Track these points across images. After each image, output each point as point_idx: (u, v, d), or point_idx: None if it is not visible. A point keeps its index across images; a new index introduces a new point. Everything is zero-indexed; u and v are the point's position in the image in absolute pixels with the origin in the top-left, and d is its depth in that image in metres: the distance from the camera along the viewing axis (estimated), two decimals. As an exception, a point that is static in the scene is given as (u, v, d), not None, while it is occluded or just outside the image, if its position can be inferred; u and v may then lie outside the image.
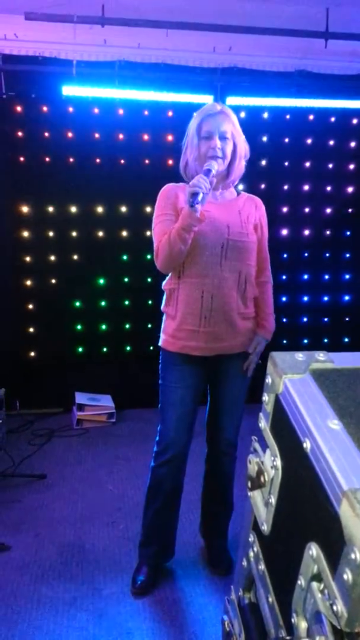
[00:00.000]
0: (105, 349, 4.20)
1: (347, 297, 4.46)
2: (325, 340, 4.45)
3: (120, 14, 3.41)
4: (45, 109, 3.77)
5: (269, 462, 0.86)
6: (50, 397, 4.12)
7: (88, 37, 3.59)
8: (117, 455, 3.45)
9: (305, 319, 4.44)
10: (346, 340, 4.50)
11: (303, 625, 0.71)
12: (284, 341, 4.30)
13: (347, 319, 4.49)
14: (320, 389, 0.79)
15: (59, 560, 2.39)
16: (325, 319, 4.46)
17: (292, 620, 0.74)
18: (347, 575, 0.60)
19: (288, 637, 0.70)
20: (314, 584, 0.69)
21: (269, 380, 0.86)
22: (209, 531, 2.42)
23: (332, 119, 4.11)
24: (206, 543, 2.43)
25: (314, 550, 0.69)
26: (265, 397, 0.88)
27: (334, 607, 0.62)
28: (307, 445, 0.73)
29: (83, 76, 3.67)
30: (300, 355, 0.85)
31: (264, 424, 0.89)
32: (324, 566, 0.66)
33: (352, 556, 0.59)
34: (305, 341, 4.43)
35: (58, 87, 3.67)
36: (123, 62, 3.76)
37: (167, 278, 2.12)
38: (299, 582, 0.73)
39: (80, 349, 4.17)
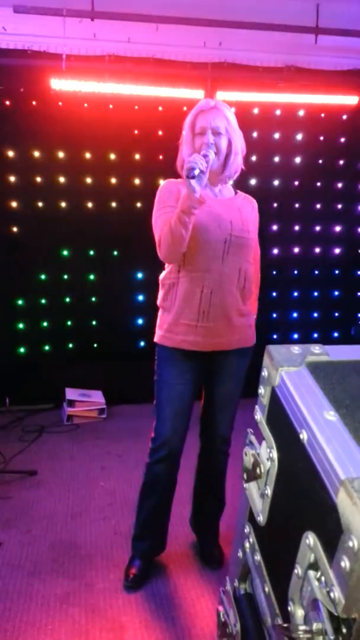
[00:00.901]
0: (95, 345, 4.20)
1: (336, 292, 4.50)
2: (315, 335, 4.48)
3: (110, 7, 3.39)
4: (34, 103, 3.74)
5: (264, 453, 0.87)
6: (41, 393, 4.11)
7: (78, 30, 3.56)
8: (108, 451, 3.45)
9: (295, 314, 4.47)
10: (335, 335, 4.54)
11: (300, 612, 0.72)
12: (275, 336, 4.32)
13: (336, 314, 4.53)
14: (316, 381, 0.80)
15: (50, 556, 2.38)
16: (315, 314, 4.50)
17: (289, 608, 0.75)
18: (345, 563, 0.61)
19: (285, 625, 0.71)
20: (311, 572, 0.70)
21: (265, 373, 0.87)
22: (200, 526, 2.43)
23: (322, 115, 4.13)
24: (197, 538, 2.45)
25: (311, 539, 0.70)
26: (261, 390, 0.89)
27: (331, 594, 0.64)
28: (303, 436, 0.74)
29: (72, 70, 3.64)
30: (296, 348, 0.86)
31: (259, 416, 0.90)
32: (321, 554, 0.67)
33: (350, 544, 0.60)
34: (296, 336, 4.46)
35: (47, 81, 3.64)
36: (113, 56, 3.74)
37: (166, 272, 2.12)
38: (295, 571, 0.74)
39: (70, 345, 4.16)
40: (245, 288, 2.07)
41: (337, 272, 4.46)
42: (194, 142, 2.02)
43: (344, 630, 0.65)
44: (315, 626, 0.67)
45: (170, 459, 2.12)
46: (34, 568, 2.29)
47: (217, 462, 2.29)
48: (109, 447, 3.50)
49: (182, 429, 2.12)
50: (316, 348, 0.87)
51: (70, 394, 3.99)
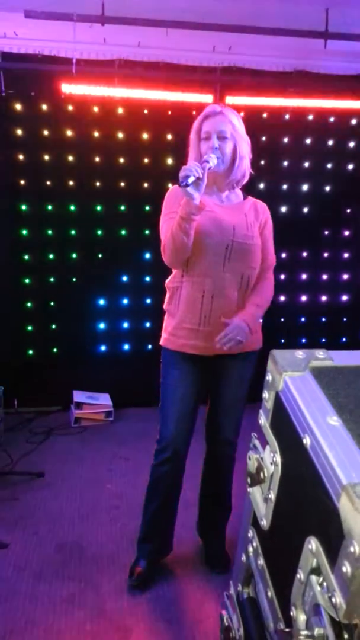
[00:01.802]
0: (103, 348, 4.21)
1: (344, 297, 4.48)
2: (323, 340, 4.46)
3: (120, 12, 3.41)
4: (44, 107, 3.78)
5: (268, 458, 0.87)
6: (49, 396, 4.12)
7: (88, 35, 3.58)
8: (115, 453, 3.46)
9: (303, 319, 4.45)
10: (344, 339, 4.52)
11: (302, 617, 0.72)
12: (282, 340, 4.31)
13: (344, 319, 4.50)
14: (320, 386, 0.81)
15: (57, 557, 2.39)
16: (323, 319, 4.48)
17: (291, 613, 0.75)
18: (346, 568, 0.61)
19: (287, 629, 0.71)
20: (313, 577, 0.70)
21: (269, 377, 0.88)
22: (206, 530, 2.43)
23: (331, 119, 4.13)
24: (203, 542, 2.45)
25: (313, 544, 0.70)
26: (265, 394, 0.89)
27: (333, 600, 0.64)
28: (307, 441, 0.74)
29: (83, 75, 3.67)
30: (300, 353, 0.87)
31: (263, 420, 0.90)
32: (323, 560, 0.67)
33: (351, 549, 0.60)
34: (303, 340, 4.45)
35: (57, 86, 3.67)
36: (122, 60, 3.76)
37: (171, 276, 2.14)
38: (298, 575, 0.74)
39: (78, 347, 4.17)
40: (247, 294, 2.08)
41: (345, 276, 4.44)
42: (200, 147, 2.04)
43: (346, 636, 0.65)
44: (317, 631, 0.67)
45: (175, 460, 2.12)
46: (40, 570, 2.30)
47: (223, 467, 2.29)
48: (116, 450, 3.51)
49: (187, 431, 2.13)
50: (320, 353, 0.87)
51: (78, 396, 4.00)
